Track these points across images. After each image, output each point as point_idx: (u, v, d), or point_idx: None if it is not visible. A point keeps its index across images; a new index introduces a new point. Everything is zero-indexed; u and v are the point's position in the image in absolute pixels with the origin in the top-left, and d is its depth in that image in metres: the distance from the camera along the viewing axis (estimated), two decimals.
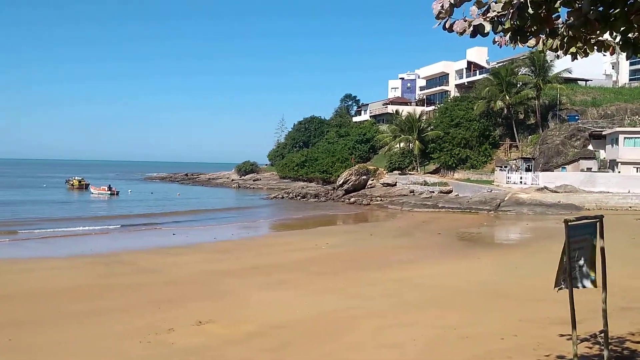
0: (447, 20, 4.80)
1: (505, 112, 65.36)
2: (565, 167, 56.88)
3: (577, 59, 5.85)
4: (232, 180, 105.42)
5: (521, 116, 66.65)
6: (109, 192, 74.80)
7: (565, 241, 6.98)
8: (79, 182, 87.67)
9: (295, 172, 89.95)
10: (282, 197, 69.81)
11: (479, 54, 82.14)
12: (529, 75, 64.22)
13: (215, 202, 66.05)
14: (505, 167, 59.43)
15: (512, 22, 4.78)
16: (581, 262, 7.28)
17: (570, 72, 61.81)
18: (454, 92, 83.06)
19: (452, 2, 4.68)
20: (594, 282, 7.51)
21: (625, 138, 53.24)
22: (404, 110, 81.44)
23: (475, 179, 62.05)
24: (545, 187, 52.21)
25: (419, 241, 32.53)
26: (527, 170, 57.43)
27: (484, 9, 4.79)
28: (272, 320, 14.17)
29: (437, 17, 4.77)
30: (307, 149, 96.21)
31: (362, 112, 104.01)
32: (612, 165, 54.74)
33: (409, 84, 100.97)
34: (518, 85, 64.60)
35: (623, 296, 14.67)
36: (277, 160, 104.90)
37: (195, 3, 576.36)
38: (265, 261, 24.73)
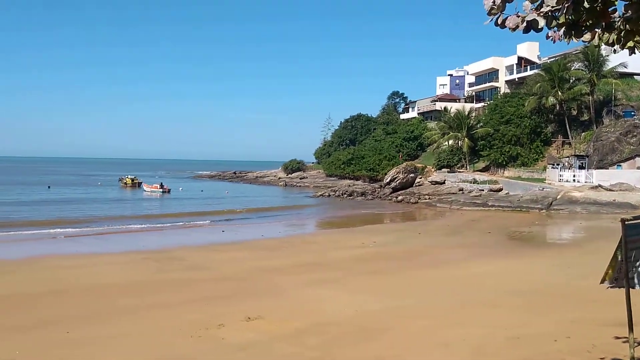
0: (499, 16, 4.72)
1: (557, 108, 63.70)
2: (620, 165, 54.99)
3: (634, 53, 5.67)
4: (279, 178, 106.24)
5: (574, 112, 64.78)
6: (161, 189, 76.57)
7: (622, 241, 6.77)
8: (132, 180, 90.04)
9: (342, 170, 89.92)
10: (329, 195, 69.94)
11: (529, 49, 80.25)
12: (582, 70, 62.33)
13: (263, 200, 66.76)
14: (558, 164, 57.91)
15: (566, 17, 4.67)
16: (639, 262, 7.06)
17: (625, 67, 59.61)
18: (504, 89, 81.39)
19: None
20: None
21: None
22: (453, 107, 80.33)
23: (526, 176, 60.70)
24: (600, 185, 50.64)
25: (468, 240, 32.06)
26: (581, 167, 55.81)
27: (537, 3, 4.69)
28: (319, 318, 14.25)
29: (489, 13, 4.71)
30: (353, 147, 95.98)
31: (410, 109, 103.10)
32: None
33: (457, 81, 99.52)
34: (571, 81, 62.76)
35: None
36: (323, 159, 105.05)
37: (248, 4, 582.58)
38: (312, 259, 24.85)
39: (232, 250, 27.60)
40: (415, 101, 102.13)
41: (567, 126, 62.89)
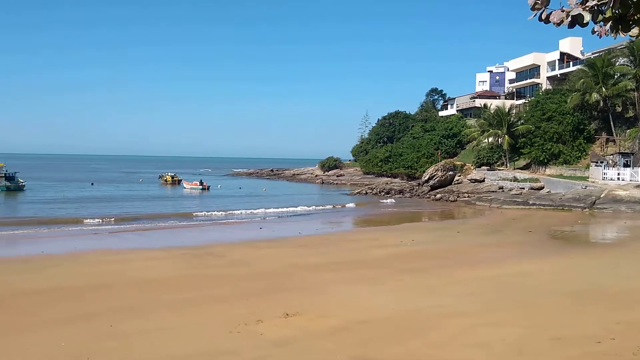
0: (543, 11, 4.65)
1: (601, 104, 62.00)
2: None
3: None
4: (316, 175, 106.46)
5: (619, 109, 62.93)
6: (201, 186, 77.67)
7: None
8: (172, 177, 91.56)
9: (379, 168, 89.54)
10: (366, 193, 69.76)
11: (572, 44, 78.35)
12: (627, 65, 60.50)
13: (300, 198, 67.01)
14: (601, 162, 56.40)
15: (613, 11, 4.56)
16: None
17: None
18: (545, 85, 79.68)
19: None
20: None
21: None
22: (493, 104, 79.07)
23: (569, 175, 59.35)
24: None
25: (508, 239, 31.57)
26: (625, 165, 54.27)
27: None
28: (356, 315, 14.26)
29: (533, 8, 4.63)
30: (391, 144, 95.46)
31: (449, 106, 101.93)
32: None
33: (497, 77, 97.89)
34: (615, 77, 60.99)
35: None
36: (360, 156, 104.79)
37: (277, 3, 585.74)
38: (350, 256, 24.86)
39: (270, 247, 27.83)
40: (454, 98, 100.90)
41: (611, 123, 61.20)
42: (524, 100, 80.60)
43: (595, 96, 60.16)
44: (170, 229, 37.44)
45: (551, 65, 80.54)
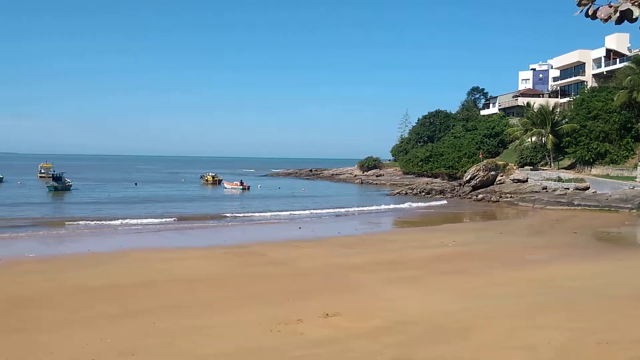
0: (590, 6, 4.54)
1: None
2: None
3: None
4: (355, 175, 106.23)
5: None
6: (241, 187, 78.51)
7: None
8: (213, 177, 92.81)
9: (420, 168, 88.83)
10: (406, 193, 69.26)
11: (619, 40, 76.12)
12: None
13: (338, 198, 67.06)
14: None
15: None
16: None
17: None
18: (591, 82, 77.69)
19: None
20: None
21: None
22: (536, 102, 77.48)
23: (615, 174, 57.65)
24: None
25: (552, 240, 30.90)
26: None
27: None
28: (397, 316, 14.19)
29: (579, 4, 4.53)
30: (431, 144, 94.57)
31: (491, 105, 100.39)
32: None
33: (541, 75, 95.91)
34: None
35: None
36: (400, 156, 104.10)
37: None
38: (390, 257, 24.75)
39: (310, 247, 27.93)
40: (496, 97, 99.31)
41: None
42: (568, 99, 78.73)
43: None
44: (211, 228, 37.96)
45: (597, 62, 78.48)
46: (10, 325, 13.87)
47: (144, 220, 39.61)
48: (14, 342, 12.51)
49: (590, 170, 61.37)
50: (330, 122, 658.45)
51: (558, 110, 70.18)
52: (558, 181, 57.59)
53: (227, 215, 45.24)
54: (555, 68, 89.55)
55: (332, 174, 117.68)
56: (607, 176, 57.32)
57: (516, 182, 61.98)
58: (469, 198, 62.02)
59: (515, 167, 66.87)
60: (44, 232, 33.98)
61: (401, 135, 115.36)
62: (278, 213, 47.66)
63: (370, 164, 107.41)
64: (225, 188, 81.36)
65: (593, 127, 61.12)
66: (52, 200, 59.31)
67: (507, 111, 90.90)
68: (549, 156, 66.84)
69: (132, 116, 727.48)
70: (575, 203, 49.85)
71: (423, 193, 67.79)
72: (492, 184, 64.43)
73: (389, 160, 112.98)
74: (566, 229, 35.58)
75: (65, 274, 20.60)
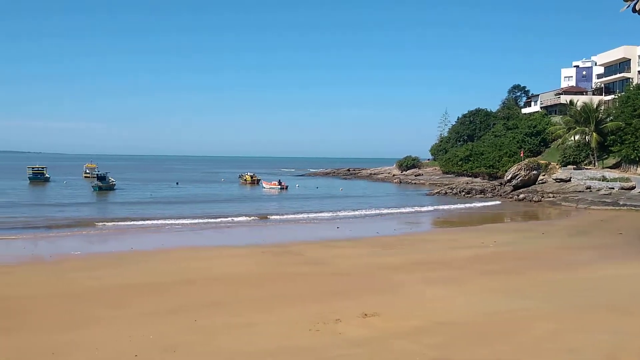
0: (638, 2, 4.43)
1: None
2: None
3: None
4: (394, 175, 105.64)
5: None
6: (279, 186, 79.00)
7: None
8: (251, 177, 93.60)
9: (459, 167, 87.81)
10: (445, 193, 68.53)
11: None
12: None
13: (377, 197, 66.81)
14: None
15: None
16: None
17: None
18: (636, 79, 75.41)
19: None
20: None
21: None
22: (579, 100, 75.65)
23: None
24: None
25: (596, 241, 30.13)
26: None
27: None
28: (437, 317, 14.06)
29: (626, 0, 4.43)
30: (471, 143, 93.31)
31: (532, 103, 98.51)
32: None
33: (584, 72, 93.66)
34: None
35: None
36: (439, 155, 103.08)
37: None
38: (429, 257, 24.56)
39: (348, 247, 27.91)
40: (538, 95, 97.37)
41: None
42: (613, 96, 76.61)
43: None
44: (249, 227, 38.31)
45: None
46: (58, 321, 14.29)
47: (185, 220, 40.22)
48: (61, 338, 12.88)
49: (636, 170, 59.57)
50: (368, 122, 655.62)
51: (602, 108, 68.41)
52: (602, 180, 56.11)
53: (266, 214, 45.55)
54: (599, 65, 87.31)
55: (370, 174, 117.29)
56: None
57: (559, 182, 60.69)
58: (510, 198, 61.01)
59: (557, 166, 65.48)
60: (88, 230, 34.90)
61: (440, 134, 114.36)
62: (316, 213, 47.76)
63: (409, 164, 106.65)
64: (264, 188, 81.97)
65: (639, 125, 59.32)
66: (97, 199, 60.79)
67: (549, 109, 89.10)
68: (592, 155, 65.22)
69: (170, 116, 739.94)
70: (621, 203, 48.50)
71: (463, 193, 66.98)
72: (534, 184, 63.27)
73: (428, 159, 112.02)
74: (611, 230, 34.65)
75: (109, 271, 21.12)
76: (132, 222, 38.58)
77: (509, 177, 65.56)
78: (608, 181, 55.50)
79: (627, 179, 54.65)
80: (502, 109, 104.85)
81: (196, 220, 40.39)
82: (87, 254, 25.62)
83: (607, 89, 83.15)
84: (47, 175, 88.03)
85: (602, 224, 37.93)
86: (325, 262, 23.24)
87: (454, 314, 14.39)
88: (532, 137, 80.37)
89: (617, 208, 47.52)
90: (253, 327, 13.56)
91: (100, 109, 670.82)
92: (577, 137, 67.81)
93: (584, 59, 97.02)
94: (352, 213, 48.12)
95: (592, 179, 57.76)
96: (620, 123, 61.28)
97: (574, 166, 64.58)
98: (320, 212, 48.43)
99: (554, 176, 62.55)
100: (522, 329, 12.92)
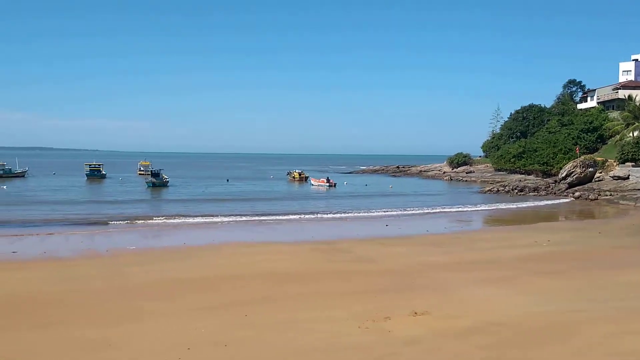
0: None
1: None
2: None
3: None
4: (444, 172, 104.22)
5: None
6: (328, 184, 79.05)
7: None
8: (299, 174, 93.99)
9: (512, 164, 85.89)
10: (498, 191, 67.13)
11: None
12: None
13: (427, 195, 66.04)
14: None
15: None
16: None
17: None
18: None
19: None
20: None
21: None
22: (639, 95, 72.91)
23: None
24: None
25: None
26: None
27: None
28: (489, 317, 13.81)
29: None
30: (525, 140, 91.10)
31: (588, 98, 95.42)
32: None
33: None
34: None
35: None
36: (491, 152, 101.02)
37: None
38: (480, 256, 24.13)
39: (397, 245, 27.72)
40: (595, 90, 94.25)
41: None
42: None
43: None
44: (298, 224, 38.50)
45: None
46: (113, 313, 14.74)
47: (235, 217, 40.80)
48: (116, 330, 13.28)
49: None
50: (419, 118, 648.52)
51: None
52: None
53: (314, 211, 45.70)
54: None
55: (420, 171, 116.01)
56: None
57: (616, 180, 58.68)
58: (565, 195, 59.33)
59: (615, 164, 63.29)
60: (142, 226, 35.89)
61: (492, 130, 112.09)
62: (364, 210, 47.61)
63: (459, 161, 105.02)
64: (312, 185, 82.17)
65: None
66: (150, 196, 62.37)
67: (606, 105, 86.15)
68: None
69: (217, 114, 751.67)
70: None
71: (516, 190, 65.50)
72: (590, 181, 61.38)
73: (480, 156, 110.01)
74: None
75: (162, 265, 21.66)
76: (184, 219, 39.38)
77: (563, 175, 63.79)
78: None
79: None
80: (556, 105, 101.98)
81: (246, 217, 40.92)
82: (141, 249, 26.34)
83: None
84: (103, 172, 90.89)
85: None
86: (374, 260, 23.16)
87: (506, 314, 14.11)
88: (588, 134, 77.90)
89: None
90: (302, 323, 13.64)
91: (159, 108, 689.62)
92: (636, 134, 65.42)
93: None
94: (401, 210, 47.73)
95: None
96: None
97: (633, 163, 62.23)
98: (369, 209, 48.23)
99: (611, 174, 60.52)
100: (577, 331, 12.56)
